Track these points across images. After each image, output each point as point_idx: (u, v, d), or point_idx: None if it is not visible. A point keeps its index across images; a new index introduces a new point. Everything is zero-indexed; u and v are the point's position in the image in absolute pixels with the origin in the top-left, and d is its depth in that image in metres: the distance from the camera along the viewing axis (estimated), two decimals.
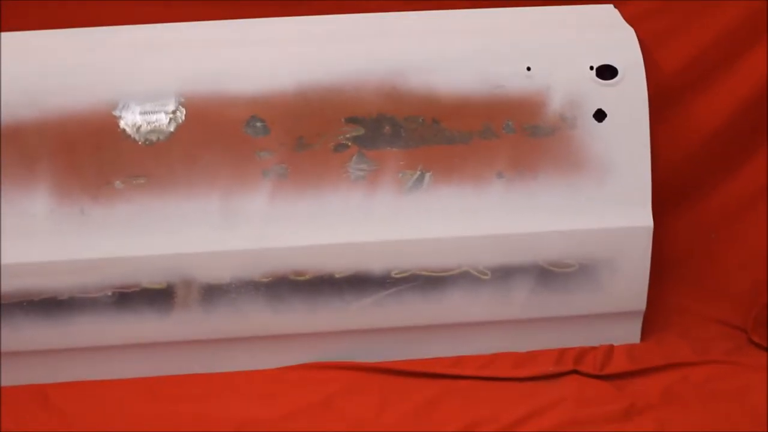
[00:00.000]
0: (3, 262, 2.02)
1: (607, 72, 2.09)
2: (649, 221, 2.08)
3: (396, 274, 2.08)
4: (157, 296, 2.06)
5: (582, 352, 2.14)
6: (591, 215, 2.08)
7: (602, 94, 2.08)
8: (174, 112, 2.05)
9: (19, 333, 2.07)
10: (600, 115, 2.08)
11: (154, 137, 2.04)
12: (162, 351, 2.13)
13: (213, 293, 2.07)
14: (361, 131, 2.06)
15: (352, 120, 2.06)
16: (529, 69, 2.08)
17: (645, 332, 2.21)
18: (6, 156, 2.02)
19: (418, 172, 2.07)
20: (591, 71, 2.09)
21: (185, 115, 2.05)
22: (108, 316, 2.07)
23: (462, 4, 2.26)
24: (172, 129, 2.04)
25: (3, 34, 2.15)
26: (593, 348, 2.16)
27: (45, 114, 2.03)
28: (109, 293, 2.06)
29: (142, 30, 2.17)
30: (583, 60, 2.09)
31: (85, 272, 2.04)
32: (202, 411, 2.04)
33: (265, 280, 2.07)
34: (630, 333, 2.19)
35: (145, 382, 2.13)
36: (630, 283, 2.12)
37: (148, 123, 2.04)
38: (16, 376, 2.12)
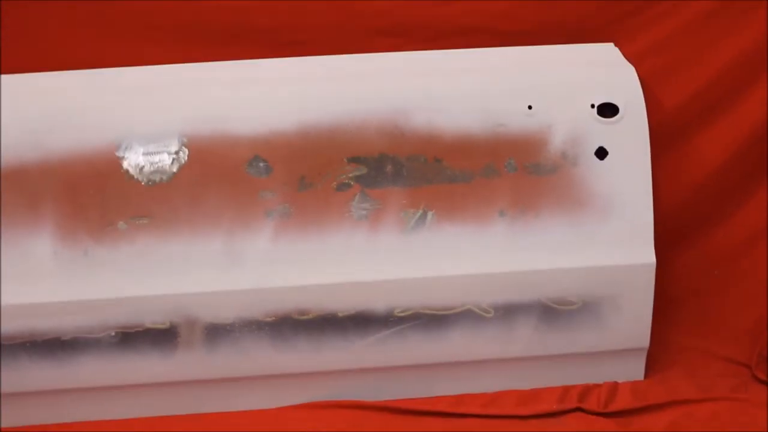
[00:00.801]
0: (7, 303, 2.02)
1: (608, 110, 2.10)
2: (651, 258, 2.08)
3: (399, 312, 2.08)
4: (160, 336, 2.06)
5: (586, 390, 2.13)
6: (593, 253, 2.08)
7: (603, 131, 2.09)
8: (177, 153, 2.05)
9: (22, 373, 2.07)
10: (601, 153, 2.08)
11: (157, 178, 2.05)
12: (165, 391, 2.12)
13: (216, 333, 2.07)
14: (363, 170, 2.07)
15: (355, 159, 2.07)
16: (530, 107, 2.09)
17: (649, 369, 2.20)
18: (9, 197, 2.03)
19: (421, 211, 2.07)
20: (592, 109, 2.09)
21: (188, 156, 2.05)
22: (111, 356, 2.07)
23: (462, 43, 2.28)
24: (175, 169, 2.05)
25: (6, 75, 2.16)
26: (597, 385, 2.15)
27: (48, 155, 2.04)
28: (113, 333, 2.06)
29: (144, 71, 2.18)
30: (584, 98, 2.10)
31: (88, 313, 2.04)
32: None
33: (268, 319, 2.07)
34: (634, 370, 2.19)
35: (148, 422, 2.12)
36: (633, 320, 2.12)
37: (151, 164, 2.05)
38: (19, 416, 2.12)
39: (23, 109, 2.08)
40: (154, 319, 2.06)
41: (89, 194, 2.04)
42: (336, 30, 2.30)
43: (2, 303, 2.02)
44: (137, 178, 2.05)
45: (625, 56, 2.21)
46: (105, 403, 2.13)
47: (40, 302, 2.03)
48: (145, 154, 2.05)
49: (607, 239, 2.08)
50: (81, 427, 2.11)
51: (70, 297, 2.03)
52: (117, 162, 2.05)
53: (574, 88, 2.12)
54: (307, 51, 2.25)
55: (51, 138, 2.04)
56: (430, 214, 2.08)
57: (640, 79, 2.13)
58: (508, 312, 2.10)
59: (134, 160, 2.05)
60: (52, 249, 2.04)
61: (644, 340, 2.15)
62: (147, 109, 2.09)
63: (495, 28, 2.28)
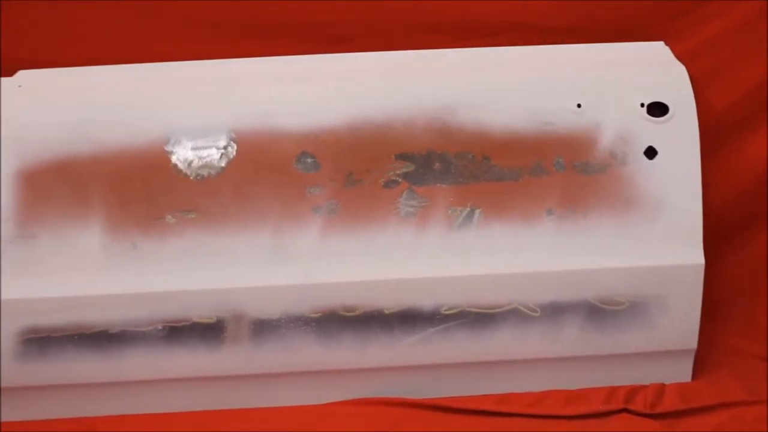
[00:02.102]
0: (55, 295, 2.03)
1: (657, 109, 2.08)
2: (700, 259, 2.07)
3: (445, 310, 2.08)
4: (207, 330, 2.07)
5: (633, 391, 2.12)
6: (642, 253, 2.06)
7: (653, 131, 2.07)
8: (225, 148, 2.06)
9: (69, 366, 2.08)
10: (651, 153, 2.07)
11: (205, 172, 2.06)
12: (211, 385, 2.13)
13: (263, 328, 2.07)
14: (411, 167, 2.06)
15: (403, 156, 2.06)
16: (579, 106, 2.08)
17: (696, 371, 2.18)
18: (59, 190, 2.04)
19: (468, 209, 2.07)
20: (642, 108, 2.08)
21: (236, 151, 2.06)
22: (158, 349, 2.08)
23: (510, 40, 2.27)
24: (223, 164, 2.06)
25: (58, 69, 2.18)
26: (644, 386, 2.13)
27: (97, 149, 2.05)
28: (160, 327, 2.07)
29: (194, 66, 2.20)
30: (634, 97, 2.09)
31: (136, 306, 2.05)
32: None
33: (314, 315, 2.07)
34: (681, 371, 2.17)
35: (193, 416, 2.13)
36: (681, 321, 2.10)
37: (200, 158, 2.06)
38: (67, 408, 2.13)
39: (73, 102, 2.09)
40: (201, 313, 2.06)
41: (138, 188, 2.05)
42: (383, 27, 2.29)
43: (51, 295, 2.04)
44: (185, 173, 2.05)
45: (675, 55, 2.19)
46: (151, 396, 2.14)
47: (89, 295, 2.04)
48: (193, 148, 2.06)
49: (656, 239, 2.07)
50: (127, 420, 2.12)
51: (118, 290, 2.04)
52: (166, 156, 2.06)
53: (624, 87, 2.10)
54: (354, 47, 2.25)
55: (101, 132, 2.05)
56: (477, 212, 2.07)
57: (690, 78, 2.11)
58: (555, 311, 2.09)
59: (183, 154, 2.06)
60: (100, 242, 2.05)
61: (692, 341, 2.13)
62: (196, 104, 2.10)
63: (544, 25, 2.27)
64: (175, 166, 2.05)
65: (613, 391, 2.12)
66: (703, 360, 2.20)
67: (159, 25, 2.28)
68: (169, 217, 2.05)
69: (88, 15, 2.27)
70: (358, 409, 2.11)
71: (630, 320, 2.10)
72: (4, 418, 2.14)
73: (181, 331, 2.07)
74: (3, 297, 2.03)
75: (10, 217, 2.03)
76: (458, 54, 2.22)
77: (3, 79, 2.15)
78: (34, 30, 2.27)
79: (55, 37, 2.28)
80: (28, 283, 2.04)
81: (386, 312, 2.07)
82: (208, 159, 2.06)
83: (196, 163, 2.06)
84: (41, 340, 2.06)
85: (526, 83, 2.11)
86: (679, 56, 2.18)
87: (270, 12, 2.28)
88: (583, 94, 2.09)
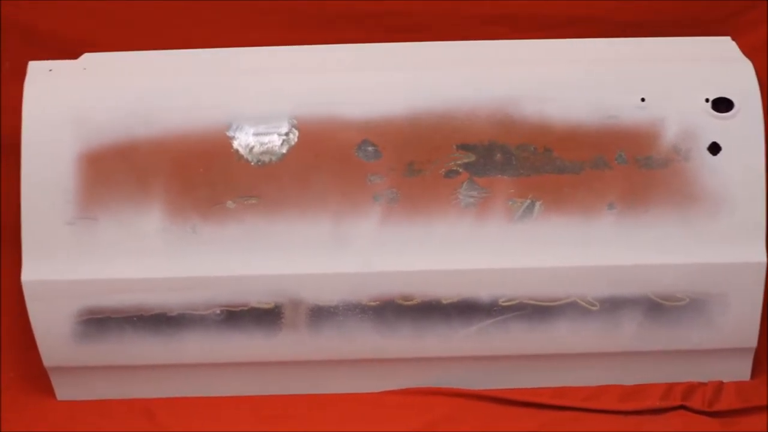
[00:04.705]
0: (116, 277, 2.05)
1: (722, 104, 2.06)
2: (762, 257, 2.04)
3: (503, 302, 2.07)
4: (264, 316, 2.08)
5: (690, 388, 2.10)
6: (703, 249, 2.05)
7: (717, 126, 2.05)
8: (287, 134, 2.06)
9: (128, 347, 2.10)
10: (715, 148, 2.05)
11: (266, 158, 2.06)
12: (267, 370, 2.14)
13: (320, 315, 2.08)
14: (472, 158, 2.06)
15: (464, 147, 2.06)
16: (643, 100, 2.06)
17: (755, 370, 2.17)
18: (121, 173, 2.05)
19: (529, 201, 2.06)
20: (706, 103, 2.06)
21: (298, 138, 2.06)
22: (215, 333, 2.09)
23: (575, 33, 2.26)
24: (284, 151, 2.06)
25: (122, 52, 2.19)
26: (702, 384, 2.12)
27: (159, 133, 2.05)
28: (218, 311, 2.08)
29: (257, 52, 2.20)
30: (699, 92, 2.06)
31: (194, 290, 2.06)
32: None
33: (372, 303, 2.07)
34: (740, 370, 2.15)
35: (248, 401, 2.15)
36: (742, 319, 2.08)
37: (261, 144, 2.06)
38: (123, 389, 2.15)
39: (136, 86, 2.10)
40: (259, 298, 2.07)
41: (199, 173, 2.06)
42: (446, 17, 2.30)
43: (110, 277, 2.05)
44: (247, 158, 2.06)
45: (741, 50, 2.16)
46: (206, 379, 2.15)
47: (148, 278, 2.06)
48: (255, 134, 2.06)
49: (718, 236, 2.05)
50: (182, 403, 2.14)
51: (178, 273, 2.05)
52: (227, 142, 2.06)
53: (689, 82, 2.08)
54: (417, 37, 2.24)
55: (163, 115, 2.06)
56: (537, 205, 2.06)
57: (756, 73, 2.08)
58: (613, 306, 2.07)
59: (244, 140, 2.06)
60: (160, 225, 2.06)
61: (752, 339, 2.11)
62: (258, 90, 2.10)
63: (609, 18, 2.26)
64: (237, 151, 2.06)
65: (670, 387, 2.11)
66: (762, 359, 2.18)
67: (226, 12, 2.29)
68: (230, 202, 2.06)
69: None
70: (414, 399, 2.12)
71: (690, 317, 2.08)
72: (60, 397, 2.17)
73: (239, 316, 2.08)
74: (63, 278, 2.05)
75: (72, 199, 2.05)
76: (522, 45, 2.21)
77: (68, 61, 2.16)
78: (100, 13, 2.29)
79: (120, 21, 2.30)
80: (89, 265, 2.05)
81: (444, 302, 2.07)
82: (270, 145, 2.06)
83: (257, 149, 2.06)
84: (100, 321, 2.08)
85: (590, 76, 2.09)
86: (746, 52, 2.15)
87: (333, 1, 2.28)
88: (648, 88, 2.07)
